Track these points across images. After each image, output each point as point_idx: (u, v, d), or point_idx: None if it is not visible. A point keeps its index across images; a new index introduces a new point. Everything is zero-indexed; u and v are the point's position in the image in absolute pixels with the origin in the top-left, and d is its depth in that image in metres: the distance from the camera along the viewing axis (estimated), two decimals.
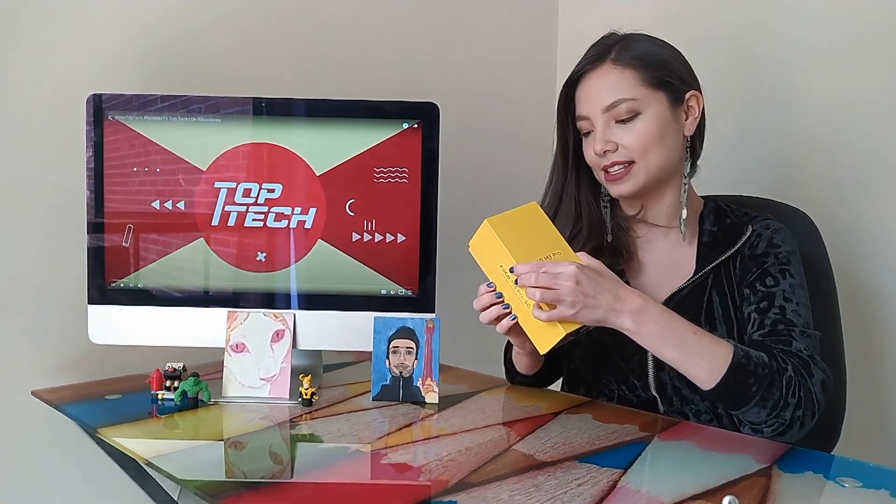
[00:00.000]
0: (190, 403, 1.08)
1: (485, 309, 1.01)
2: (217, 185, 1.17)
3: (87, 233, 1.16)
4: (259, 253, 1.18)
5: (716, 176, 1.36)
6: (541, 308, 0.94)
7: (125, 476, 1.26)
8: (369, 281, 1.19)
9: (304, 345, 1.18)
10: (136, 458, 0.91)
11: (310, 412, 1.07)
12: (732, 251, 1.08)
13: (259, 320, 1.16)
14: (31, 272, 1.23)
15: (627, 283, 1.09)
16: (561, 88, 1.13)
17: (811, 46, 1.49)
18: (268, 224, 1.18)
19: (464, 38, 1.79)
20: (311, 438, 0.98)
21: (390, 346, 1.13)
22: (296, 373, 1.14)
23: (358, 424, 1.02)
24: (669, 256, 1.13)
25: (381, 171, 1.18)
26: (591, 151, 1.08)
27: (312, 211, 1.18)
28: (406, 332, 1.14)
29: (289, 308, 1.18)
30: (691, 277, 1.09)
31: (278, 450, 0.96)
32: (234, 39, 1.43)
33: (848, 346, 1.23)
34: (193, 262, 1.18)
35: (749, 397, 0.93)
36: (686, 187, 1.11)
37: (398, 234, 1.18)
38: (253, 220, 1.18)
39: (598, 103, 1.06)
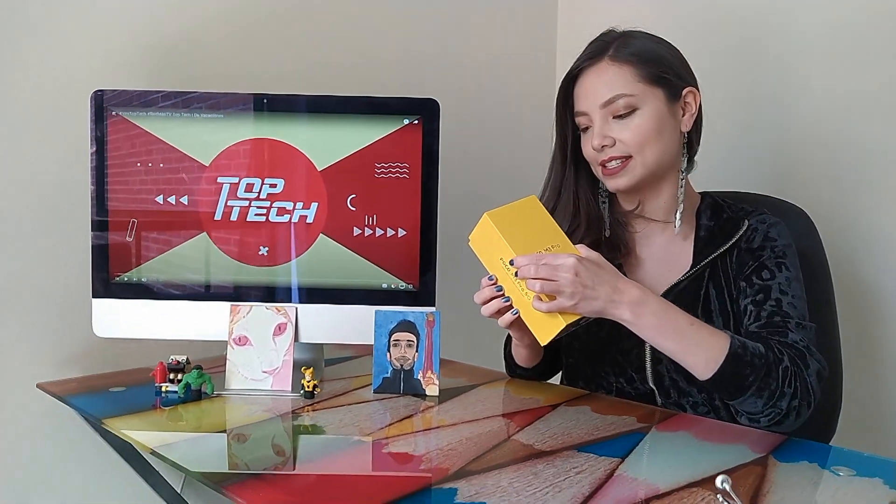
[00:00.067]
0: (193, 396, 1.10)
1: (486, 302, 1.02)
2: (220, 180, 1.18)
3: (91, 228, 1.18)
4: (261, 247, 1.19)
5: (714, 173, 1.37)
6: (540, 300, 0.95)
7: (129, 469, 1.27)
8: (370, 275, 1.20)
9: (305, 338, 1.19)
10: (140, 448, 0.93)
11: (312, 404, 1.09)
12: (729, 245, 1.09)
13: (261, 314, 1.17)
14: (35, 267, 1.25)
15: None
16: (560, 85, 1.14)
17: (809, 45, 1.50)
18: (270, 219, 1.19)
19: (464, 36, 1.80)
20: (314, 429, 0.99)
21: (391, 339, 1.14)
22: (298, 366, 1.16)
23: (359, 416, 1.04)
24: (667, 251, 1.14)
25: (382, 167, 1.19)
26: (589, 146, 1.09)
27: (314, 206, 1.19)
28: (407, 326, 1.15)
29: (291, 302, 1.19)
30: (688, 271, 1.10)
31: (281, 439, 0.97)
32: (236, 37, 1.45)
33: (844, 341, 1.24)
34: (196, 256, 1.19)
35: (746, 387, 0.95)
36: (683, 183, 1.13)
37: (399, 229, 1.20)
38: (255, 214, 1.19)
39: (595, 99, 1.07)
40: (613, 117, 1.07)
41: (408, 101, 1.19)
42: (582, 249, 0.98)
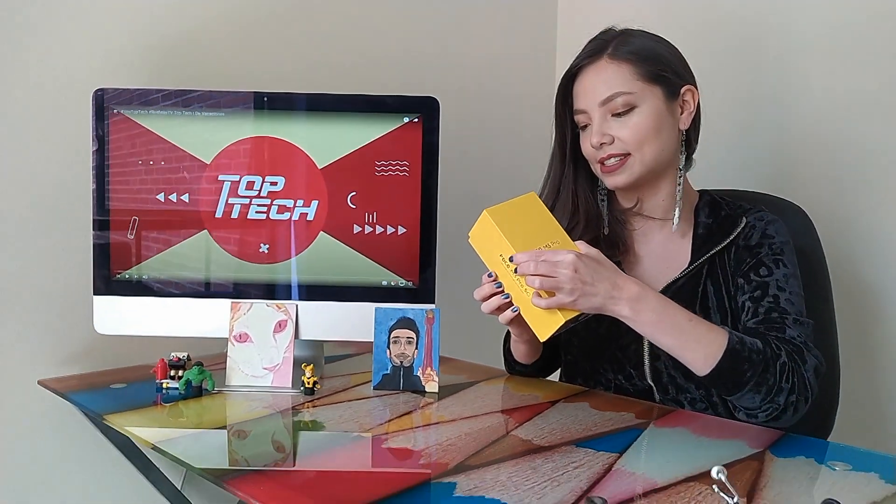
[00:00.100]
0: (194, 392, 1.10)
1: (485, 299, 1.03)
2: (220, 178, 1.19)
3: (93, 225, 1.18)
4: (262, 245, 1.20)
5: (713, 171, 1.38)
6: (540, 296, 0.96)
7: (129, 465, 1.28)
8: (370, 272, 1.20)
9: (306, 335, 1.20)
10: (141, 444, 0.93)
11: (312, 400, 1.09)
12: (727, 242, 1.10)
13: (262, 311, 1.18)
14: (36, 266, 1.25)
15: None
16: (559, 83, 1.14)
17: (808, 44, 1.51)
18: (270, 216, 1.20)
19: (464, 36, 1.81)
20: (314, 425, 1.00)
21: (391, 336, 1.15)
22: (298, 363, 1.16)
23: (359, 412, 1.04)
24: (665, 248, 1.15)
25: (382, 165, 1.19)
26: (588, 144, 1.10)
27: (314, 203, 1.20)
28: (406, 323, 1.15)
29: (291, 299, 1.20)
30: (686, 268, 1.11)
31: (282, 435, 0.97)
32: (237, 36, 1.45)
33: (841, 338, 1.24)
34: (197, 253, 1.20)
35: (744, 383, 0.95)
36: (681, 180, 1.13)
37: (399, 227, 1.20)
38: (256, 212, 1.20)
39: (594, 97, 1.08)
40: (612, 115, 1.08)
41: (408, 100, 1.19)
42: (581, 246, 0.99)
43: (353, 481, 0.81)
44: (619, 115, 1.07)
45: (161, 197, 1.19)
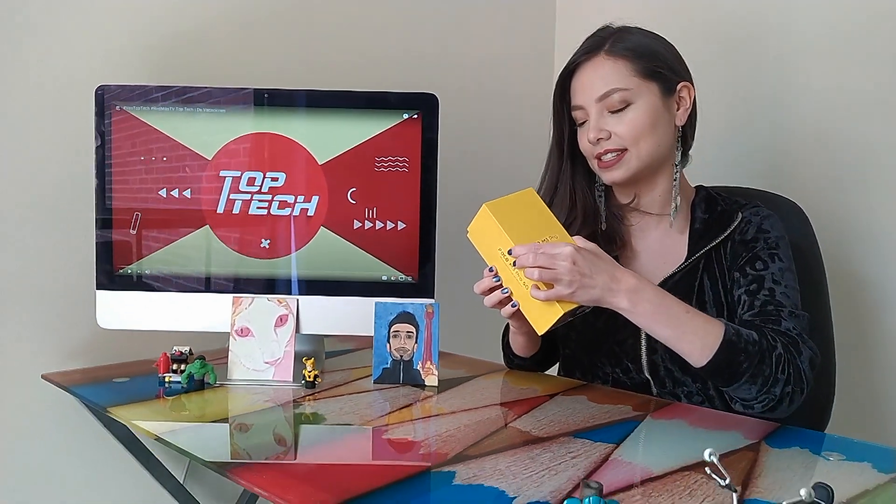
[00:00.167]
0: (196, 385, 1.11)
1: (486, 293, 1.04)
2: (222, 173, 1.20)
3: (96, 220, 1.19)
4: (263, 240, 1.21)
5: (710, 168, 1.39)
6: (538, 288, 0.97)
7: (132, 459, 1.29)
8: (370, 267, 1.22)
9: (307, 329, 1.21)
10: (144, 435, 0.94)
11: (313, 394, 1.10)
12: (723, 237, 1.11)
13: (263, 305, 1.19)
14: (39, 262, 1.26)
15: None
16: (556, 80, 1.16)
17: (805, 44, 1.52)
18: (272, 212, 1.21)
19: (463, 34, 1.82)
20: (315, 417, 1.01)
21: (391, 330, 1.16)
22: (299, 357, 1.17)
23: (359, 404, 1.05)
24: (662, 243, 1.16)
25: (382, 161, 1.21)
26: (585, 140, 1.11)
27: (315, 199, 1.21)
28: (406, 317, 1.17)
29: (292, 294, 1.21)
30: (683, 263, 1.12)
31: (283, 426, 0.99)
32: (238, 33, 1.46)
33: (837, 332, 1.26)
34: (199, 249, 1.21)
35: (740, 374, 0.96)
36: (678, 176, 1.15)
37: (398, 222, 1.21)
38: (257, 208, 1.21)
39: (592, 93, 1.09)
40: (609, 111, 1.09)
41: (407, 96, 1.21)
42: (579, 241, 1.00)
43: (354, 471, 0.83)
44: (615, 111, 1.08)
45: (163, 193, 1.20)
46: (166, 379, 1.12)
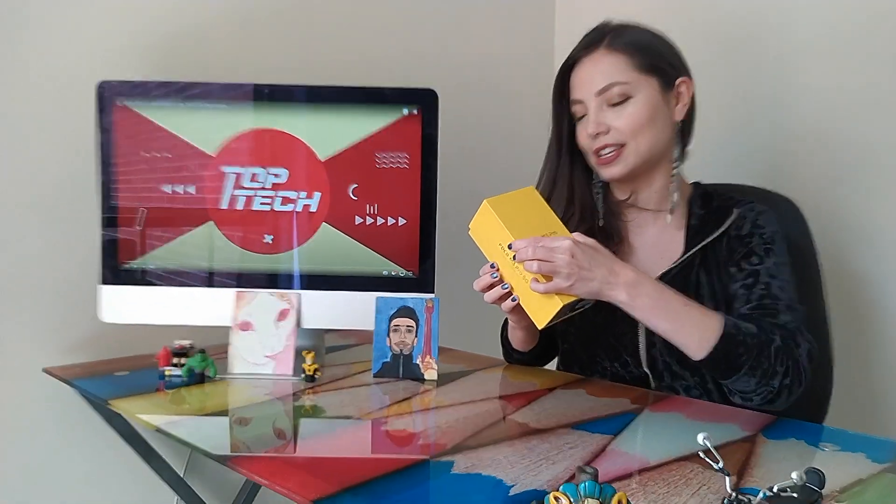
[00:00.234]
0: (197, 379, 1.12)
1: (486, 289, 1.05)
2: (225, 170, 1.21)
3: (101, 216, 1.20)
4: (266, 235, 1.22)
5: (708, 165, 1.40)
6: (538, 281, 0.97)
7: (132, 452, 1.30)
8: (371, 262, 1.22)
9: (308, 323, 1.22)
10: (145, 426, 0.95)
11: (313, 387, 1.11)
12: (719, 233, 1.12)
13: (265, 300, 1.20)
14: (42, 256, 1.27)
15: None
16: (556, 75, 1.17)
17: (805, 43, 1.53)
18: (274, 208, 1.22)
19: (463, 32, 1.83)
20: (315, 409, 1.02)
21: (391, 324, 1.17)
22: (299, 351, 1.18)
23: (359, 397, 1.06)
24: (659, 239, 1.17)
25: (383, 157, 1.22)
26: (585, 134, 1.12)
27: (317, 195, 1.22)
28: (406, 312, 1.17)
29: (294, 288, 1.22)
30: (679, 259, 1.13)
31: (283, 418, 0.99)
32: (240, 29, 1.47)
33: (834, 327, 1.26)
34: (202, 244, 1.22)
35: (739, 366, 0.97)
36: (676, 172, 1.15)
37: (399, 218, 1.22)
38: (260, 203, 1.22)
39: (591, 87, 1.10)
40: (608, 105, 1.10)
41: (407, 92, 1.21)
42: (578, 236, 1.01)
43: (354, 461, 0.83)
44: (614, 104, 1.09)
45: (167, 189, 1.21)
46: (166, 372, 1.13)
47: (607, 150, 1.10)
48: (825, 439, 0.89)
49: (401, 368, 1.16)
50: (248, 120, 1.21)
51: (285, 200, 1.22)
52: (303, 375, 1.14)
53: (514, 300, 1.03)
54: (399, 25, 1.71)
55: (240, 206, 1.22)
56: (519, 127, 1.92)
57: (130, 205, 1.21)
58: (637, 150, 1.10)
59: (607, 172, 1.13)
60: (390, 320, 1.17)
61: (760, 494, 0.50)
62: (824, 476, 0.56)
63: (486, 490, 0.72)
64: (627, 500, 0.53)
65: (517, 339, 1.19)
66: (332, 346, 1.39)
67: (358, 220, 1.22)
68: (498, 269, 1.03)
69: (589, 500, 0.52)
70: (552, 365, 1.30)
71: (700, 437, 0.50)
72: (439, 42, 1.78)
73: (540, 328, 1.02)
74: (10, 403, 1.24)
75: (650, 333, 1.11)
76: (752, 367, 0.97)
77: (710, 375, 1.08)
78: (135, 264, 1.21)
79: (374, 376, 1.16)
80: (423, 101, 1.21)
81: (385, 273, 1.23)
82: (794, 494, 0.51)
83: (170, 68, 1.37)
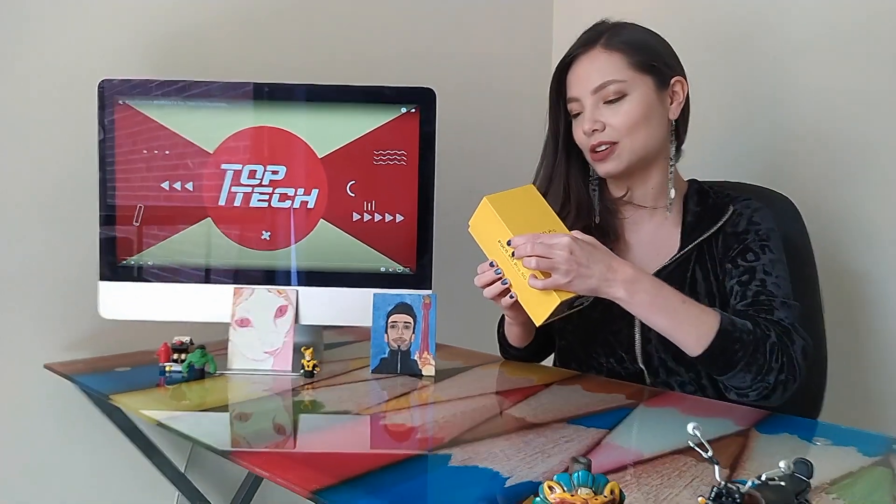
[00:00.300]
0: (196, 375, 1.13)
1: (485, 286, 1.05)
2: (223, 167, 1.22)
3: (99, 213, 1.21)
4: (264, 232, 1.23)
5: (705, 163, 1.41)
6: (536, 277, 0.98)
7: (133, 448, 1.31)
8: (369, 259, 1.23)
9: (306, 320, 1.23)
10: (146, 421, 0.96)
11: (311, 383, 1.12)
12: (715, 229, 1.13)
13: (263, 296, 1.21)
14: (43, 253, 1.28)
15: None
16: (553, 73, 1.18)
17: (800, 44, 1.54)
18: (272, 204, 1.23)
19: (462, 31, 1.84)
20: (313, 404, 1.03)
21: (389, 320, 1.18)
22: (298, 348, 1.19)
23: (357, 393, 1.07)
24: (655, 236, 1.18)
25: (381, 154, 1.23)
26: (581, 131, 1.13)
27: (315, 192, 1.23)
28: (404, 308, 1.18)
29: (292, 285, 1.23)
30: (675, 255, 1.14)
31: (282, 413, 1.00)
32: (239, 28, 1.48)
33: (828, 324, 1.27)
34: (201, 240, 1.23)
35: (735, 362, 0.98)
36: (672, 170, 1.16)
37: (397, 214, 1.23)
38: (258, 200, 1.23)
39: (587, 85, 1.11)
40: (604, 102, 1.11)
41: (405, 91, 1.22)
42: (577, 234, 1.02)
43: (352, 454, 0.84)
44: (610, 102, 1.10)
45: (166, 185, 1.22)
46: (167, 368, 1.14)
47: (602, 147, 1.11)
48: (818, 434, 0.90)
49: (399, 364, 1.17)
50: (248, 118, 1.22)
51: (283, 197, 1.23)
52: (302, 371, 1.15)
53: (512, 297, 1.04)
54: (398, 25, 1.72)
55: (237, 202, 1.23)
56: (517, 126, 1.93)
57: (129, 201, 1.21)
58: (632, 147, 1.11)
59: (603, 169, 1.14)
60: (388, 317, 1.18)
61: (749, 483, 0.51)
62: (812, 466, 0.57)
63: (482, 482, 0.73)
64: (620, 490, 0.54)
65: (513, 335, 1.20)
66: (331, 342, 1.40)
67: (356, 216, 1.23)
68: (496, 266, 1.04)
69: (582, 489, 0.53)
70: (549, 361, 1.32)
71: (690, 427, 0.51)
72: (438, 41, 1.79)
73: (538, 325, 1.03)
74: (12, 399, 1.25)
75: (646, 330, 1.12)
76: (747, 363, 0.98)
77: (707, 372, 1.09)
78: (133, 261, 1.22)
79: (373, 372, 1.17)
80: (422, 100, 1.22)
81: (382, 269, 1.24)
82: (782, 483, 0.53)
83: (170, 67, 1.38)
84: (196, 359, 1.13)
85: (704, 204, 1.16)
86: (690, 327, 0.99)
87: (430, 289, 1.24)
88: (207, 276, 1.23)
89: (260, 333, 1.19)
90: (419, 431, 0.91)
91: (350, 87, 1.22)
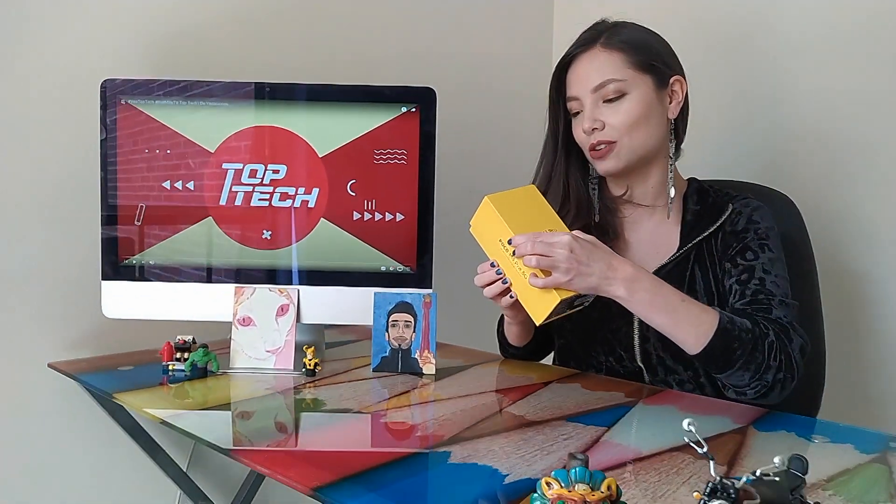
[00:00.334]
0: (199, 373, 1.14)
1: (486, 286, 1.06)
2: (224, 166, 1.23)
3: (101, 213, 1.22)
4: (265, 231, 1.24)
5: (705, 162, 1.42)
6: (537, 276, 0.99)
7: (136, 447, 1.31)
8: (370, 258, 1.24)
9: (307, 319, 1.23)
10: (150, 419, 0.97)
11: (313, 381, 1.13)
12: (714, 228, 1.13)
13: (265, 295, 1.22)
14: (46, 252, 1.28)
15: None
16: (553, 72, 1.18)
17: (798, 44, 1.55)
18: (273, 203, 1.23)
19: (462, 31, 1.85)
20: (315, 402, 1.04)
21: (389, 319, 1.19)
22: (299, 346, 1.20)
23: (359, 391, 1.08)
24: (654, 235, 1.19)
25: (381, 153, 1.23)
26: (580, 130, 1.14)
27: (315, 191, 1.23)
28: (404, 307, 1.19)
29: (293, 284, 1.24)
30: (674, 254, 1.14)
31: (284, 411, 1.01)
32: (241, 28, 1.49)
33: (827, 322, 1.28)
34: (202, 240, 1.23)
35: (734, 361, 0.99)
36: (672, 169, 1.17)
37: (397, 213, 1.24)
38: (259, 199, 1.23)
39: (587, 84, 1.12)
40: (603, 101, 1.11)
41: (405, 90, 1.23)
42: (577, 233, 1.02)
43: (353, 451, 0.85)
44: (610, 101, 1.11)
45: (167, 185, 1.23)
46: (170, 367, 1.15)
47: (602, 146, 1.12)
48: (815, 431, 0.91)
49: (399, 363, 1.18)
50: (249, 118, 1.22)
51: (284, 196, 1.24)
52: (303, 370, 1.16)
53: (512, 297, 1.04)
54: (398, 25, 1.73)
55: (238, 202, 1.23)
56: (517, 125, 1.93)
57: (131, 201, 1.22)
58: (631, 146, 1.11)
59: (603, 167, 1.14)
60: (389, 315, 1.19)
61: (744, 478, 0.51)
62: (807, 462, 0.58)
63: (481, 479, 0.74)
64: (617, 486, 0.55)
65: (513, 334, 1.21)
66: (332, 341, 1.41)
67: (356, 215, 1.24)
68: (497, 266, 1.04)
69: (579, 485, 0.53)
70: (549, 360, 1.32)
71: (685, 423, 0.52)
72: (438, 41, 1.80)
73: (538, 324, 1.03)
74: (16, 398, 1.26)
75: (644, 328, 1.12)
76: (746, 361, 0.99)
77: (706, 370, 1.09)
78: (135, 260, 1.23)
79: (374, 370, 1.18)
80: (422, 100, 1.23)
81: (383, 268, 1.25)
82: (777, 479, 0.53)
83: (170, 67, 1.39)
84: (199, 357, 1.14)
85: (704, 203, 1.17)
86: (690, 326, 1.00)
87: (431, 288, 1.24)
88: (209, 275, 1.24)
89: (262, 332, 1.20)
90: (419, 429, 0.92)
91: (350, 87, 1.23)
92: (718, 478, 0.50)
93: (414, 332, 1.18)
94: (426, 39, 1.78)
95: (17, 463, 1.27)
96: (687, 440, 0.52)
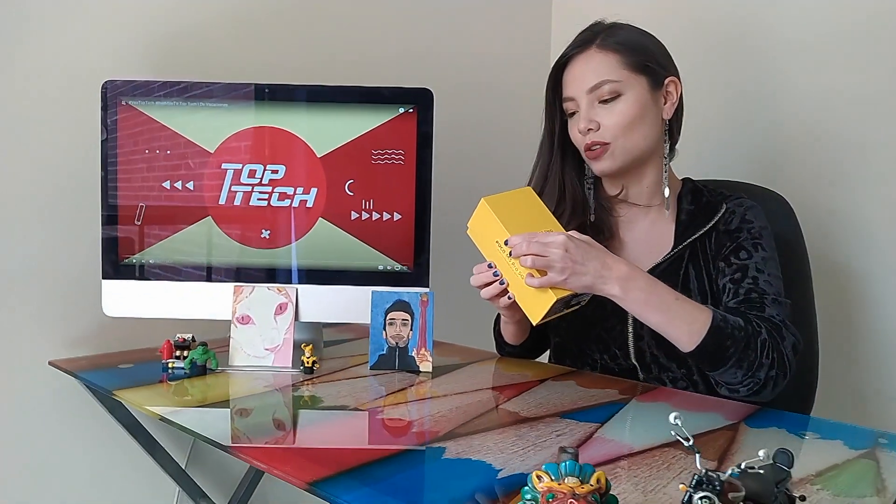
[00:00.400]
0: (198, 371, 1.15)
1: (482, 287, 1.07)
2: (224, 166, 1.24)
3: (101, 212, 1.23)
4: (264, 231, 1.25)
5: (706, 164, 1.43)
6: (532, 276, 1.00)
7: (135, 444, 1.33)
8: (367, 257, 1.25)
9: (305, 317, 1.25)
10: (149, 415, 0.98)
11: (311, 379, 1.14)
12: (708, 227, 1.15)
13: (263, 294, 1.23)
14: (47, 251, 1.30)
15: None
16: (549, 73, 1.19)
17: (792, 45, 1.56)
18: (272, 203, 1.25)
19: (460, 31, 1.86)
20: (313, 400, 1.05)
21: (387, 318, 1.20)
22: (298, 344, 1.21)
23: (356, 388, 1.09)
24: (649, 234, 1.20)
25: (379, 154, 1.24)
26: (576, 130, 1.15)
27: (314, 191, 1.25)
28: (402, 305, 1.20)
29: (291, 283, 1.25)
30: (668, 253, 1.15)
31: (283, 408, 1.02)
32: (240, 30, 1.50)
33: (820, 320, 1.29)
34: (201, 239, 1.25)
35: (727, 358, 1.00)
36: (667, 168, 1.18)
37: (394, 213, 1.25)
38: (258, 199, 1.25)
39: (583, 84, 1.13)
40: (599, 102, 1.13)
41: (403, 91, 1.24)
42: (573, 233, 1.03)
43: (350, 446, 0.86)
44: (605, 102, 1.12)
45: (167, 185, 1.24)
46: (170, 365, 1.16)
47: (597, 146, 1.13)
48: (806, 428, 0.92)
49: (396, 361, 1.19)
50: (249, 118, 1.24)
51: (282, 196, 1.25)
52: (301, 367, 1.17)
53: (509, 298, 1.05)
54: (397, 25, 1.74)
55: (238, 201, 1.25)
56: (514, 125, 1.94)
57: (131, 201, 1.23)
58: (626, 146, 1.13)
59: (598, 167, 1.15)
60: (386, 314, 1.20)
61: (729, 471, 0.53)
62: (793, 456, 0.59)
63: (475, 474, 0.75)
64: (606, 479, 0.56)
65: (509, 332, 1.22)
66: (330, 339, 1.42)
67: (354, 215, 1.25)
68: (495, 267, 1.05)
69: (569, 478, 0.55)
70: (544, 357, 1.33)
71: (671, 417, 0.53)
72: (436, 41, 1.81)
73: (534, 324, 1.04)
74: (17, 396, 1.27)
75: (638, 327, 1.14)
76: (739, 359, 1.00)
77: (699, 367, 1.11)
78: (135, 259, 1.24)
79: (371, 368, 1.19)
80: (419, 100, 1.24)
81: (381, 267, 1.26)
82: (762, 472, 0.54)
83: (170, 68, 1.40)
84: (198, 355, 1.15)
85: (698, 202, 1.18)
86: (683, 324, 1.01)
87: (428, 286, 1.26)
88: (208, 274, 1.25)
89: (260, 330, 1.21)
90: (415, 425, 0.93)
91: (349, 88, 1.24)
92: (704, 470, 0.51)
93: (411, 330, 1.20)
94: (424, 40, 1.79)
95: (16, 459, 1.28)
96: (674, 434, 0.53)
